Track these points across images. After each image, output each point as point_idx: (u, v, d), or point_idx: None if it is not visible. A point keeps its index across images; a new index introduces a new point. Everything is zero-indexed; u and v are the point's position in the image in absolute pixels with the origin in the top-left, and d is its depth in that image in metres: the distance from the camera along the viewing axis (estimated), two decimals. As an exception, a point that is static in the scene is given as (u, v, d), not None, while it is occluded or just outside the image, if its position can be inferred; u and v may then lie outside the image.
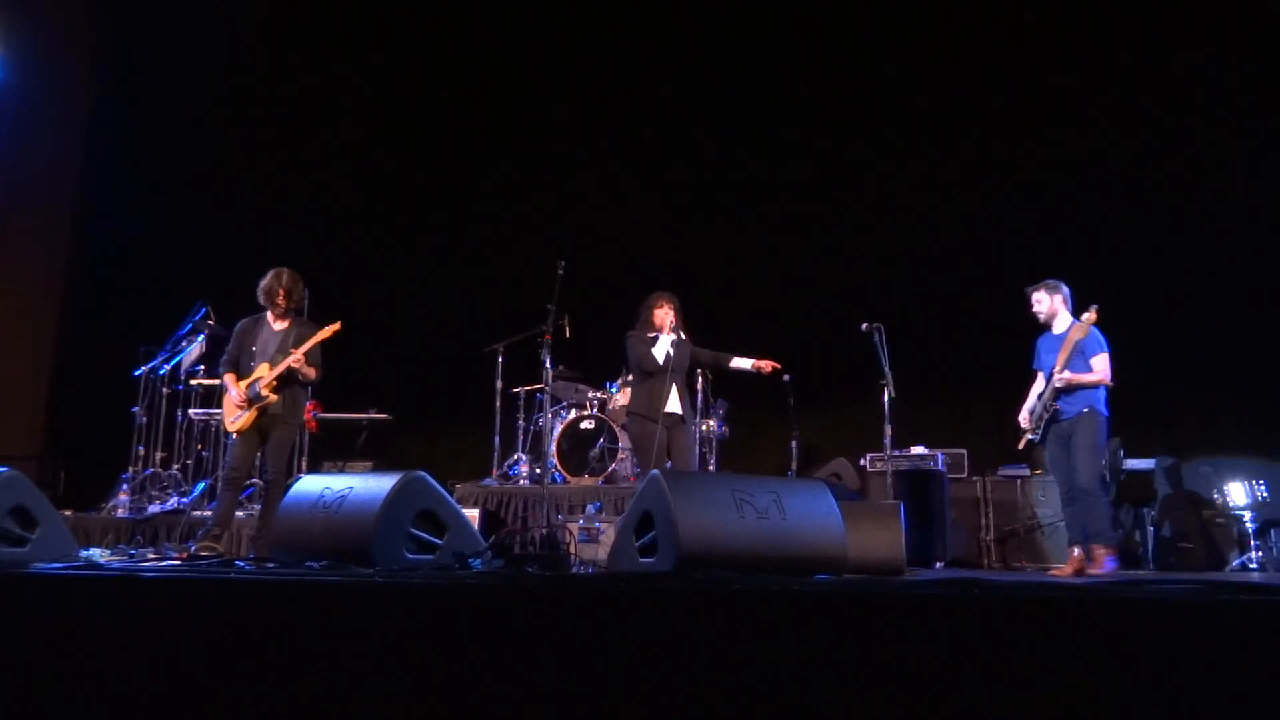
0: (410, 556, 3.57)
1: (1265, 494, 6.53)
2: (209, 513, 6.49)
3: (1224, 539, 6.50)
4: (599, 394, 7.77)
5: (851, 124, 8.67)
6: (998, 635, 2.10)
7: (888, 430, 6.30)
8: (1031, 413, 5.73)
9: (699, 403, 7.26)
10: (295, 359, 5.49)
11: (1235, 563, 6.39)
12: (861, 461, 7.22)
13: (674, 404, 5.79)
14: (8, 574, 2.91)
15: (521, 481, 7.47)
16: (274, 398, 5.51)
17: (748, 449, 8.31)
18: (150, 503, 7.35)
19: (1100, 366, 5.52)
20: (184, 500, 7.29)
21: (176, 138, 9.74)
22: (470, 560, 3.47)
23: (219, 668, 2.48)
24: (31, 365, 9.62)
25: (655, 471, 3.40)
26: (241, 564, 3.59)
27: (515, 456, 7.80)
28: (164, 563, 4.04)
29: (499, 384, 7.80)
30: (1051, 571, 5.48)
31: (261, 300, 5.68)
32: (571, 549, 5.31)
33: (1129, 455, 6.82)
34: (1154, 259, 7.65)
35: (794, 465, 7.66)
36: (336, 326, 5.66)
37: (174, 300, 7.80)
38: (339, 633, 2.44)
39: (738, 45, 9.00)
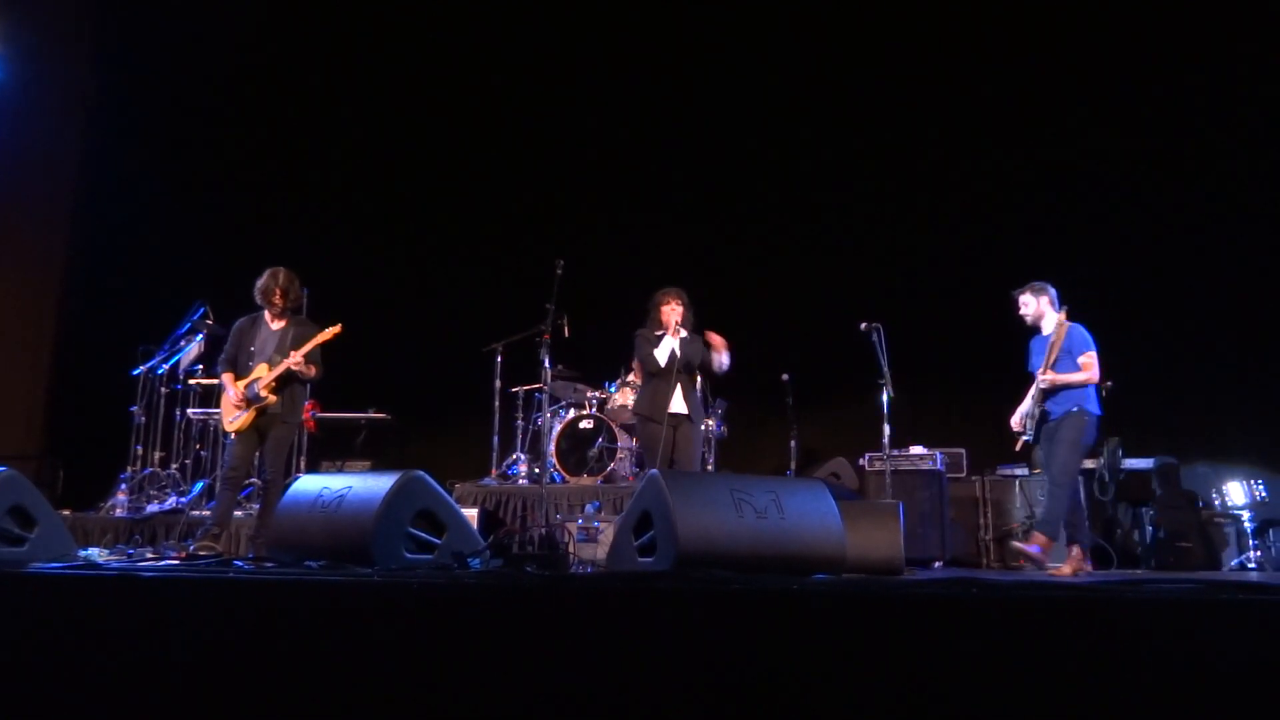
0: (409, 556, 3.57)
1: (1264, 494, 6.54)
2: (207, 512, 6.49)
3: (1222, 539, 6.50)
4: (598, 393, 7.77)
5: (851, 123, 8.67)
6: (996, 635, 2.10)
7: (886, 430, 6.30)
8: (1023, 416, 5.74)
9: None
10: (294, 361, 5.49)
11: (1234, 562, 6.39)
12: (860, 461, 7.22)
13: (678, 404, 5.73)
14: (6, 574, 2.91)
15: (520, 481, 7.47)
16: (273, 399, 5.51)
17: (746, 449, 8.32)
18: (149, 502, 7.35)
19: (1088, 364, 5.50)
20: (182, 500, 7.29)
21: (175, 137, 9.73)
22: (469, 560, 3.47)
23: (218, 667, 2.48)
24: (30, 364, 9.61)
25: (654, 471, 3.40)
26: (240, 564, 3.58)
27: (514, 456, 7.80)
28: (162, 562, 4.04)
29: (498, 383, 7.80)
30: (1050, 571, 5.48)
31: (258, 300, 5.68)
32: (570, 548, 5.31)
33: (1128, 455, 6.83)
34: (1154, 259, 7.65)
35: (793, 465, 7.66)
36: (337, 329, 5.65)
37: (172, 299, 7.79)
38: (338, 632, 2.44)
39: (737, 45, 9.00)
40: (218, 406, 6.19)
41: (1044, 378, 5.59)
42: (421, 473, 3.73)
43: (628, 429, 7.58)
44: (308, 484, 3.90)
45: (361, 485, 3.66)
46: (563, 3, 9.28)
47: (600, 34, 9.19)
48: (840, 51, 8.71)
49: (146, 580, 2.76)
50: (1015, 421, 5.74)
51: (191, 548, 5.43)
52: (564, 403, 7.90)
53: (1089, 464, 6.79)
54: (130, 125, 9.83)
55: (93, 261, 9.81)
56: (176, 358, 7.64)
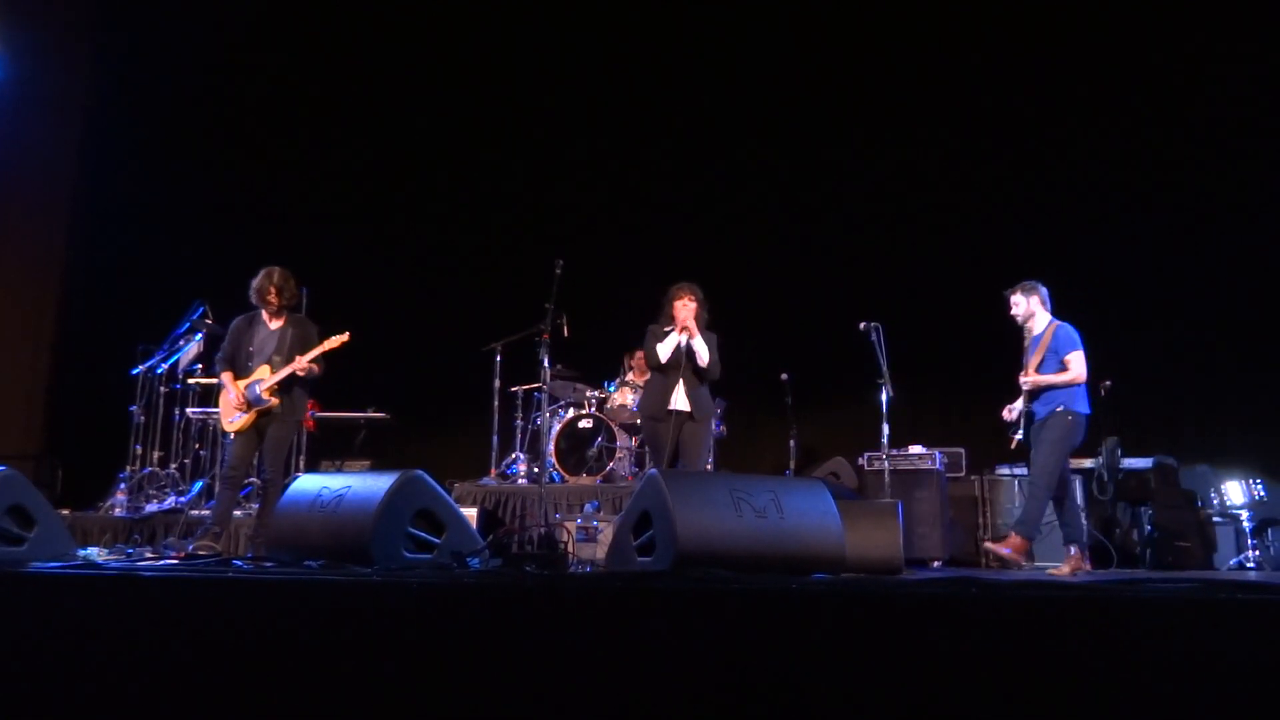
0: (408, 555, 3.57)
1: (1262, 493, 6.55)
2: (207, 512, 6.49)
3: (1221, 538, 6.50)
4: (597, 393, 7.77)
5: (851, 123, 8.67)
6: (996, 635, 2.10)
7: (885, 429, 6.30)
8: (1016, 411, 5.74)
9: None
10: (299, 366, 5.49)
11: (1233, 562, 6.39)
12: (860, 461, 7.22)
13: (681, 400, 5.61)
14: (5, 573, 2.91)
15: (519, 481, 7.47)
16: (275, 401, 5.51)
17: (745, 448, 8.32)
18: (148, 502, 7.34)
19: (1074, 364, 5.49)
20: (181, 499, 7.28)
21: (175, 136, 9.73)
22: (468, 559, 3.47)
23: (217, 667, 2.48)
24: (29, 364, 9.61)
25: (653, 470, 3.40)
26: (239, 563, 3.59)
27: (513, 456, 7.80)
28: (162, 562, 4.04)
29: (497, 383, 7.79)
30: (1049, 571, 5.49)
31: (254, 300, 5.67)
32: (569, 548, 5.30)
33: (1127, 454, 6.83)
34: (1155, 259, 7.65)
35: (792, 464, 7.66)
36: (345, 338, 5.64)
37: (172, 299, 7.79)
38: (337, 632, 2.44)
39: (737, 45, 9.00)
40: (217, 406, 6.19)
41: (1024, 379, 5.60)
42: (421, 472, 3.73)
43: (627, 429, 7.58)
44: (307, 483, 3.90)
45: (361, 485, 3.66)
46: (563, 2, 9.27)
47: (600, 34, 9.19)
48: (840, 50, 8.71)
49: (146, 580, 2.76)
50: (1007, 411, 5.74)
51: (191, 547, 5.42)
52: (563, 402, 7.90)
53: (1088, 463, 6.79)
54: (130, 124, 9.82)
55: (92, 261, 9.81)
56: (176, 357, 7.63)
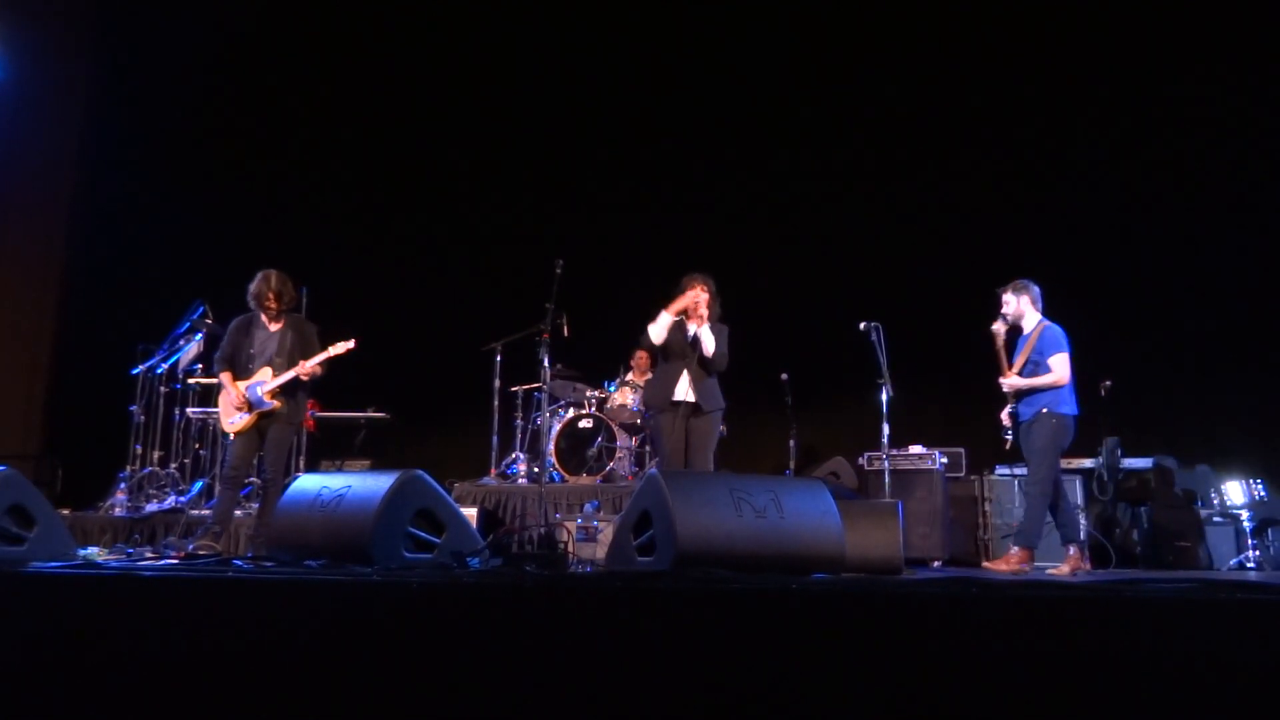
0: (408, 555, 3.57)
1: (1263, 493, 6.55)
2: (207, 511, 6.49)
3: (1221, 538, 6.50)
4: (597, 393, 7.77)
5: (851, 122, 8.67)
6: (996, 634, 2.10)
7: (885, 429, 6.29)
8: (1008, 413, 5.75)
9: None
10: (303, 370, 5.49)
11: (1233, 562, 6.39)
12: (860, 460, 7.22)
13: (686, 392, 5.44)
14: (6, 573, 2.91)
15: (520, 480, 7.47)
16: (278, 404, 5.52)
17: (745, 448, 8.30)
18: (148, 501, 7.35)
19: (1057, 366, 5.48)
20: (181, 499, 7.29)
21: (174, 135, 9.73)
22: (468, 559, 3.47)
23: (217, 667, 2.48)
24: (29, 364, 9.61)
25: (653, 470, 3.40)
26: (239, 563, 3.58)
27: (513, 455, 7.81)
28: (162, 562, 4.04)
29: (497, 383, 7.80)
30: (1049, 571, 5.49)
31: (252, 305, 5.67)
32: (569, 548, 5.30)
33: (1127, 454, 6.83)
34: (1156, 258, 7.65)
35: (792, 464, 7.66)
36: (350, 345, 5.64)
37: (172, 298, 7.79)
38: (337, 632, 2.44)
39: (737, 44, 9.00)
40: (217, 406, 6.19)
41: (1005, 381, 5.60)
42: (421, 472, 3.73)
43: (627, 429, 7.59)
44: (307, 483, 3.90)
45: (361, 484, 3.66)
46: (563, 2, 9.27)
47: (599, 34, 9.19)
48: (840, 49, 8.71)
49: (146, 580, 2.76)
50: (1005, 416, 5.75)
51: (191, 547, 5.43)
52: (563, 402, 7.90)
53: (1088, 463, 6.79)
54: (129, 124, 9.83)
55: (92, 260, 9.81)
56: (176, 357, 7.64)
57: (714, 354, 5.45)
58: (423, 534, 3.66)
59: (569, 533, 5.60)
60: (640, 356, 7.80)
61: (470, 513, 6.31)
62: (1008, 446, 5.74)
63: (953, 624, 2.12)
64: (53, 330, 9.80)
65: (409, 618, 2.42)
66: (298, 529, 3.73)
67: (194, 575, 2.76)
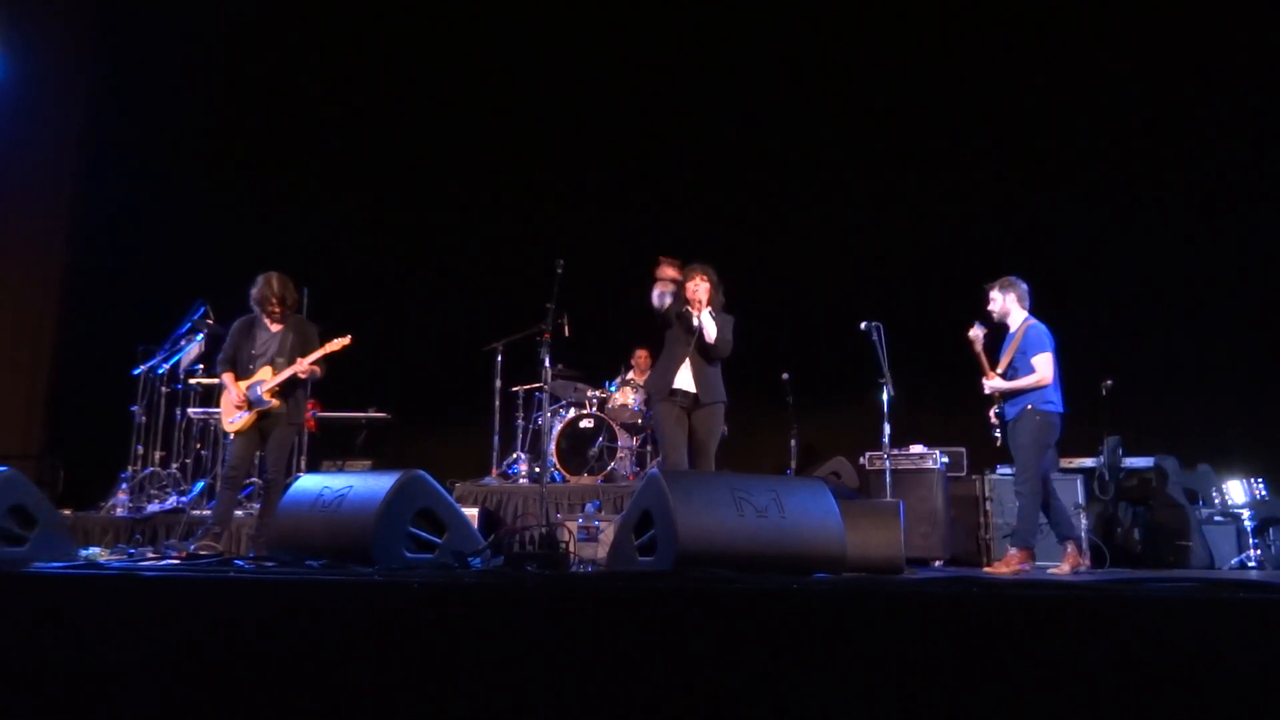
0: (409, 555, 3.57)
1: (1264, 492, 6.54)
2: (208, 512, 6.50)
3: (1223, 537, 6.50)
4: (598, 393, 7.77)
5: (852, 121, 8.66)
6: (996, 634, 2.10)
7: (887, 429, 6.29)
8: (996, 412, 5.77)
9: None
10: (300, 368, 5.50)
11: (1234, 561, 6.39)
12: (861, 460, 7.22)
13: (686, 380, 5.33)
14: (7, 573, 2.91)
15: (521, 480, 7.47)
16: (277, 403, 5.52)
17: (746, 448, 8.30)
18: (149, 502, 7.35)
19: (1041, 366, 5.48)
20: (183, 499, 7.29)
21: (175, 136, 9.74)
22: (470, 559, 3.47)
23: (218, 667, 2.48)
24: (30, 364, 9.62)
25: (654, 470, 3.40)
26: (241, 563, 3.59)
27: (514, 455, 7.80)
28: (163, 562, 4.04)
29: (498, 383, 7.80)
30: (1050, 570, 5.49)
31: (255, 309, 5.68)
32: (570, 548, 5.31)
33: (1128, 454, 6.83)
34: (1158, 257, 7.64)
35: (793, 464, 7.66)
36: (346, 340, 5.64)
37: (172, 299, 7.80)
38: (338, 632, 2.45)
39: (737, 43, 8.99)
40: (218, 406, 6.19)
41: (988, 384, 5.61)
42: (422, 472, 3.73)
43: (628, 428, 7.59)
44: (308, 483, 3.90)
45: (362, 485, 3.67)
46: (561, 2, 9.27)
47: (599, 34, 9.19)
48: (841, 49, 8.71)
49: (147, 580, 2.76)
50: (992, 415, 5.76)
51: (192, 547, 5.43)
52: (564, 402, 7.90)
53: (1089, 462, 6.79)
54: (130, 124, 9.83)
55: (93, 261, 9.81)
56: (177, 357, 7.64)
57: (716, 340, 5.37)
58: (424, 534, 3.66)
59: (570, 533, 5.60)
60: (641, 355, 7.80)
61: (471, 513, 6.32)
62: (999, 444, 5.75)
63: (954, 624, 2.12)
64: (54, 330, 9.81)
65: (410, 618, 2.42)
66: (299, 529, 3.73)
67: (195, 576, 2.76)
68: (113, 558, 4.99)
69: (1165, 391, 7.44)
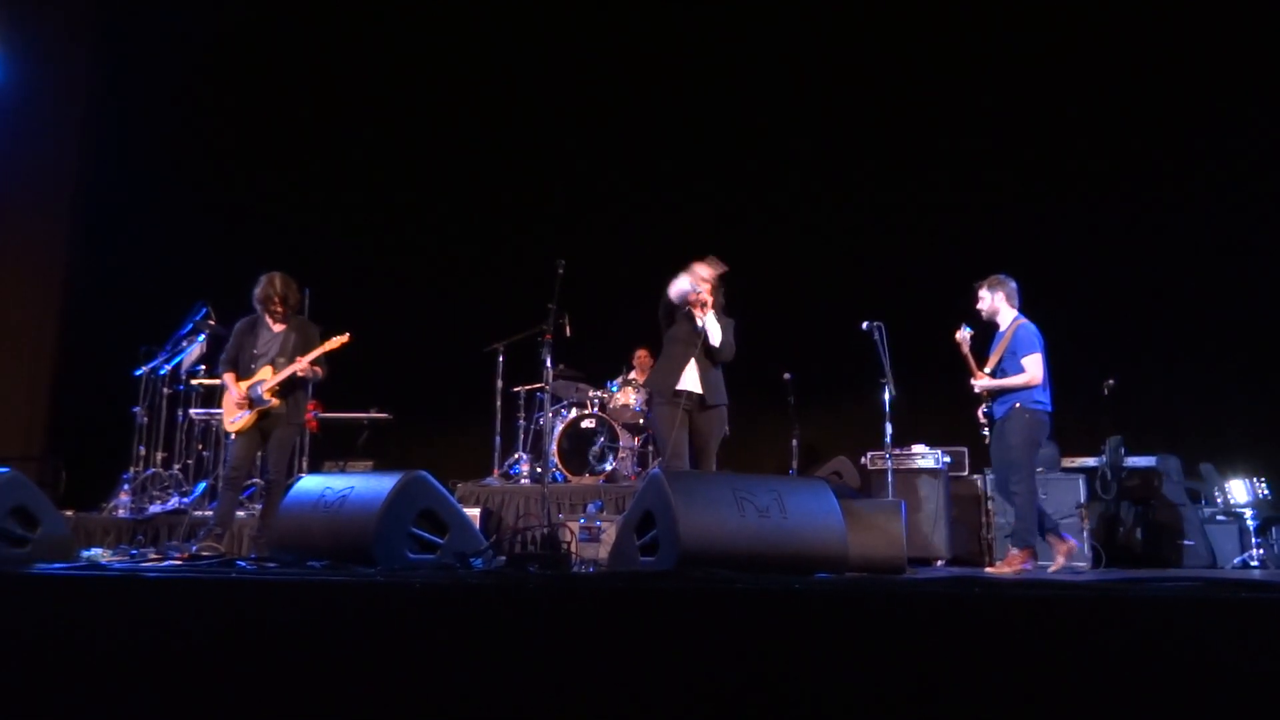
0: (411, 556, 3.57)
1: (1266, 492, 6.53)
2: (210, 513, 6.50)
3: (1225, 537, 6.49)
4: (599, 393, 7.76)
5: (853, 121, 8.65)
6: (999, 634, 2.10)
7: (888, 429, 6.29)
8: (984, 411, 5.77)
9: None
10: (300, 367, 5.50)
11: (1236, 560, 6.38)
12: (862, 460, 7.21)
13: (691, 381, 5.24)
14: (9, 574, 2.92)
15: (522, 481, 7.47)
16: (276, 402, 5.52)
17: (748, 448, 8.30)
18: (151, 503, 7.35)
19: (1030, 366, 5.48)
20: (185, 500, 7.29)
21: (176, 137, 9.74)
22: (471, 560, 3.47)
23: (221, 668, 2.48)
24: (32, 365, 9.62)
25: (656, 470, 3.40)
26: (243, 564, 3.59)
27: (516, 456, 7.81)
28: (165, 563, 4.04)
29: (499, 383, 7.80)
30: (1049, 570, 5.49)
31: (258, 309, 5.69)
32: (572, 548, 5.30)
33: (1131, 453, 6.82)
34: (1161, 257, 7.64)
35: (795, 464, 7.66)
36: (345, 338, 5.64)
37: (174, 300, 7.80)
38: (340, 633, 2.45)
39: (739, 44, 8.99)
40: (220, 407, 6.20)
41: (976, 383, 5.61)
42: (424, 473, 3.73)
43: (629, 429, 7.58)
44: (310, 484, 3.90)
45: (364, 485, 3.67)
46: (562, 3, 9.27)
47: (601, 35, 9.19)
48: (842, 49, 8.70)
49: (149, 581, 2.76)
50: (980, 414, 5.76)
51: (194, 548, 5.43)
52: (566, 402, 7.90)
53: (1091, 462, 6.79)
54: (131, 125, 9.84)
55: (94, 262, 9.82)
56: (178, 358, 7.64)
57: (720, 344, 5.31)
58: (426, 535, 3.67)
59: (572, 533, 5.59)
60: (642, 355, 7.80)
61: (473, 513, 6.32)
62: (987, 442, 5.76)
63: (956, 624, 2.12)
64: (56, 332, 9.81)
65: (412, 619, 2.42)
66: (301, 530, 3.73)
67: (197, 576, 2.76)
68: (115, 559, 4.99)
69: (1167, 391, 7.43)
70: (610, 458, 7.37)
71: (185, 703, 2.48)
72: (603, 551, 5.40)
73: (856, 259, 8.43)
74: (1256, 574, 5.86)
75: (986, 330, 5.84)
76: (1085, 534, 6.34)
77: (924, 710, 2.06)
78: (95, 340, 9.22)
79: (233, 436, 5.68)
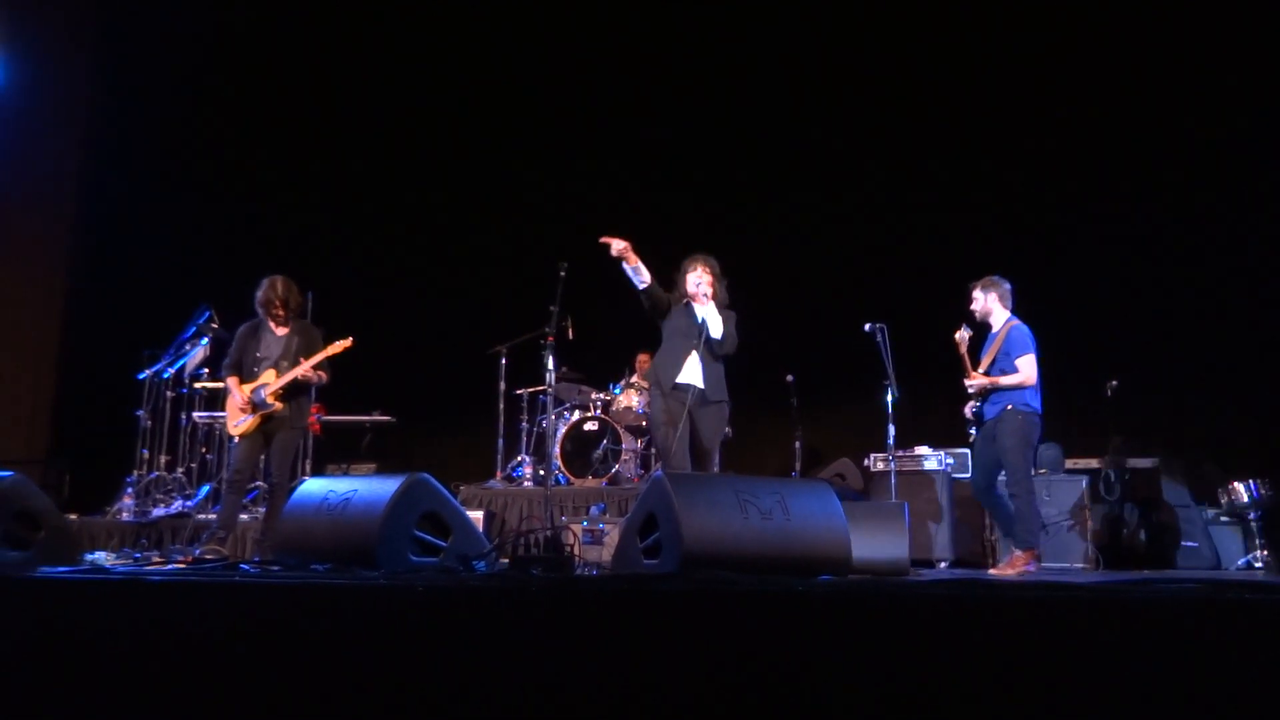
0: (414, 559, 3.57)
1: (1270, 492, 6.52)
2: (213, 516, 6.51)
3: (1229, 538, 6.48)
4: (602, 395, 7.77)
5: (856, 123, 8.65)
6: (1002, 635, 2.09)
7: (891, 430, 6.29)
8: (971, 410, 5.77)
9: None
10: (302, 372, 5.51)
11: (1240, 562, 6.37)
12: (865, 462, 7.21)
13: (694, 375, 5.08)
14: (13, 578, 2.92)
15: (525, 483, 7.48)
16: (279, 406, 5.53)
17: (750, 450, 8.30)
18: (155, 506, 7.36)
19: (1024, 367, 5.48)
20: (188, 503, 7.30)
21: (178, 140, 9.75)
22: (474, 562, 3.47)
23: (224, 671, 2.48)
24: (35, 369, 9.63)
25: (659, 472, 3.40)
26: (246, 567, 3.59)
27: (519, 458, 7.81)
28: (168, 566, 4.04)
29: (502, 386, 7.81)
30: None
31: (260, 312, 5.70)
32: (575, 551, 5.30)
33: (1134, 454, 6.82)
34: (1163, 258, 7.62)
35: (797, 466, 7.66)
36: (348, 343, 5.66)
37: (177, 303, 7.81)
38: (343, 636, 2.45)
39: (740, 46, 8.99)
40: (223, 410, 6.21)
41: (970, 382, 5.61)
42: (426, 475, 3.73)
43: (632, 431, 7.58)
44: (313, 487, 3.90)
45: (366, 488, 3.67)
46: (565, 4, 9.28)
47: (604, 37, 9.19)
48: (844, 51, 8.70)
49: (153, 584, 2.76)
50: (968, 411, 5.77)
51: (198, 551, 5.44)
52: (568, 405, 7.90)
53: (1093, 463, 6.78)
54: (132, 129, 9.85)
55: (97, 265, 9.83)
56: (182, 361, 7.65)
57: (722, 336, 5.14)
58: (429, 537, 3.66)
59: (575, 535, 5.59)
60: (643, 360, 7.80)
61: (476, 516, 6.32)
62: (971, 441, 5.76)
63: (960, 625, 2.12)
64: (59, 335, 9.82)
65: (415, 622, 2.42)
66: (304, 533, 3.74)
67: (200, 580, 2.77)
68: (118, 562, 4.99)
69: (1171, 392, 7.42)
70: (613, 460, 7.37)
71: (189, 706, 2.48)
72: (606, 554, 5.39)
73: (859, 261, 8.43)
74: (1260, 575, 5.85)
75: (979, 332, 5.85)
76: (1089, 534, 6.34)
77: (928, 713, 2.05)
78: (98, 343, 9.24)
79: (236, 440, 5.69)
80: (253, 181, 9.57)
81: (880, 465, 6.93)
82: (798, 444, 7.66)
